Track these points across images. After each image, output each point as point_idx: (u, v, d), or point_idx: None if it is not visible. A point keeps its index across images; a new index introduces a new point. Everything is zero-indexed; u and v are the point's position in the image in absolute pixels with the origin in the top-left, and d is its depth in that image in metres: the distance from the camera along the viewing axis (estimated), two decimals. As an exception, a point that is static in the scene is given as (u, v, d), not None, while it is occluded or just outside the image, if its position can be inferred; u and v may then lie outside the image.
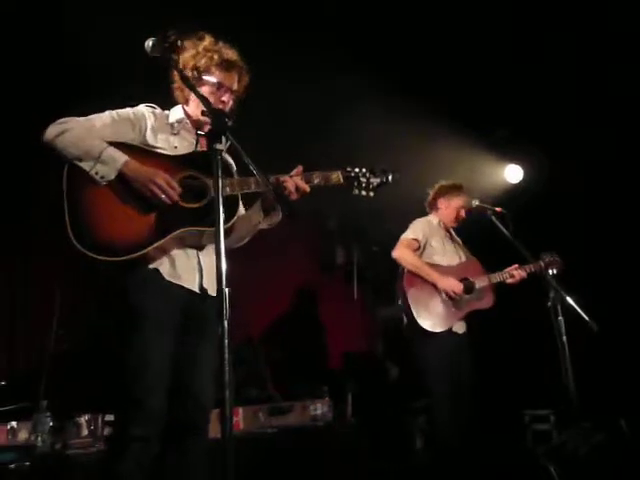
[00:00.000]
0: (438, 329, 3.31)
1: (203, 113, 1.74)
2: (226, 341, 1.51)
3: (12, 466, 2.32)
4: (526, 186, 5.11)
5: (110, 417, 2.93)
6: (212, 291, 1.99)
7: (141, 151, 1.99)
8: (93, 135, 1.94)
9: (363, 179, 2.13)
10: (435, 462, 3.36)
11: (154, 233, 1.90)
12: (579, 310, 2.98)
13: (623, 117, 4.39)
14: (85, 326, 3.46)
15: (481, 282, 3.42)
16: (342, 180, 2.10)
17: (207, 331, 1.98)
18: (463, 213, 3.59)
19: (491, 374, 4.26)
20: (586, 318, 2.95)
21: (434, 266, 3.43)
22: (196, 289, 2.00)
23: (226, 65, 2.10)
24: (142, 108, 2.11)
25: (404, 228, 3.60)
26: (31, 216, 3.69)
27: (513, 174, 5.24)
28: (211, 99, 2.00)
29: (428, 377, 3.32)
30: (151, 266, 1.93)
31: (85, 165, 1.88)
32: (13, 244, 3.82)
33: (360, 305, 5.40)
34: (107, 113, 2.03)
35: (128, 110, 2.08)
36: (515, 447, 3.81)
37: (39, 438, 2.61)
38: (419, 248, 3.48)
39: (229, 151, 2.07)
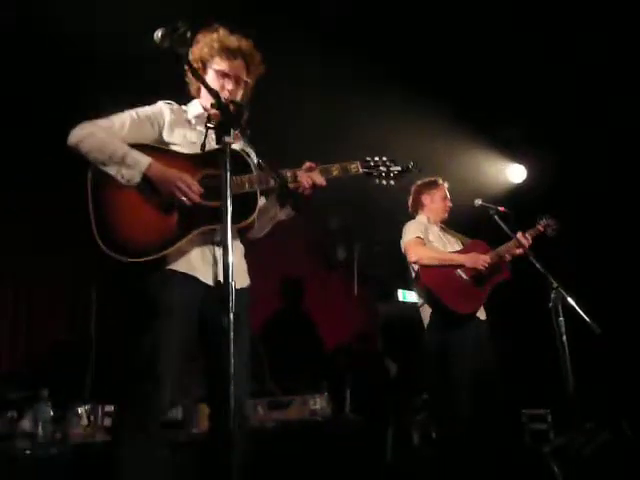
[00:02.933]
0: (472, 310, 3.28)
1: (212, 106, 1.74)
2: (232, 334, 1.52)
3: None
4: (530, 186, 5.11)
5: (110, 408, 2.95)
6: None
7: (161, 152, 2.02)
8: (115, 138, 1.96)
9: (383, 168, 2.14)
10: (433, 458, 3.37)
11: (176, 233, 1.94)
12: (580, 311, 2.98)
13: (629, 117, 4.39)
14: (92, 318, 3.47)
15: (495, 254, 3.38)
16: (361, 170, 2.11)
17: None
18: (449, 202, 3.61)
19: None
20: (587, 319, 2.95)
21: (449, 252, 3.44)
22: (210, 282, 2.00)
23: (228, 53, 2.08)
24: (160, 104, 2.12)
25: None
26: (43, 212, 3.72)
27: (516, 174, 5.24)
28: (215, 88, 1.99)
29: (447, 366, 3.26)
30: (169, 267, 1.96)
31: (110, 169, 1.92)
32: (18, 241, 3.81)
33: (360, 301, 5.42)
34: (127, 113, 2.05)
35: (147, 109, 2.09)
36: (514, 446, 3.82)
37: (40, 427, 2.62)
38: (425, 245, 3.46)
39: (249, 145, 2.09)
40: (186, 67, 2.03)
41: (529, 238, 3.43)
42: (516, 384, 4.53)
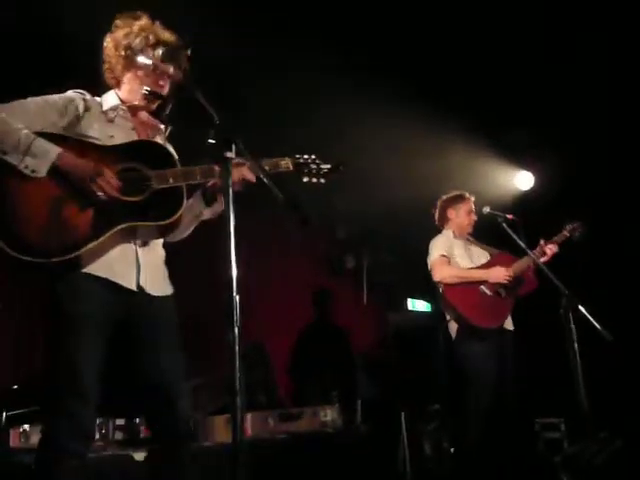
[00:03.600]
0: (495, 324, 3.33)
1: (147, 98, 1.70)
2: (237, 347, 1.52)
3: (31, 465, 2.33)
4: (538, 193, 5.09)
5: (121, 421, 2.96)
6: (152, 289, 1.88)
7: (74, 142, 1.82)
8: (18, 125, 1.74)
9: (313, 165, 2.07)
10: (446, 468, 3.35)
11: (91, 231, 1.75)
12: (592, 319, 2.95)
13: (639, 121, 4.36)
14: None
15: (517, 267, 3.39)
16: (292, 167, 2.04)
17: (159, 334, 1.87)
18: (474, 216, 3.61)
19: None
20: (598, 327, 2.93)
21: (471, 269, 3.46)
22: (133, 287, 1.84)
23: (163, 47, 1.94)
24: (71, 94, 1.92)
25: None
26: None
27: (524, 181, 5.21)
28: (146, 83, 1.92)
29: (470, 379, 3.31)
30: (84, 270, 1.76)
31: (11, 158, 1.70)
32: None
33: (369, 310, 5.40)
34: (30, 100, 1.84)
35: (55, 96, 1.89)
36: (527, 454, 3.78)
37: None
38: (449, 262, 3.49)
39: (169, 139, 2.00)
40: (108, 54, 1.94)
41: (553, 247, 3.41)
42: (530, 392, 4.49)
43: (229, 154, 1.60)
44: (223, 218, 1.58)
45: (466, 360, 3.36)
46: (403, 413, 3.94)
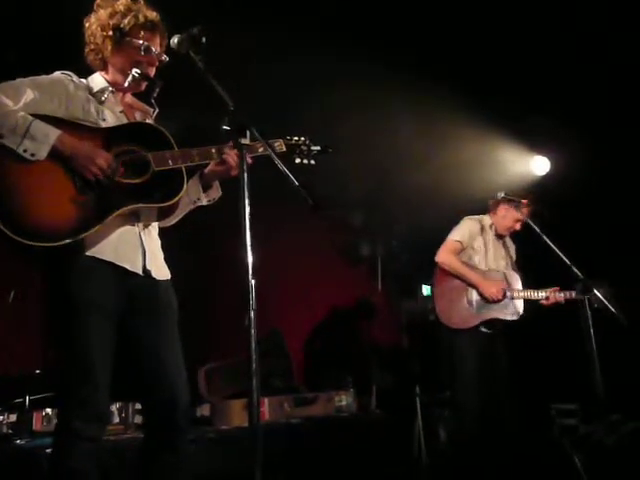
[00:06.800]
0: (460, 326, 3.35)
1: (135, 80, 1.69)
2: (252, 331, 1.54)
3: (48, 451, 2.40)
4: (554, 178, 5.03)
5: (139, 405, 3.02)
6: (156, 274, 1.88)
7: (68, 124, 1.78)
8: (12, 107, 1.71)
9: (304, 147, 2.10)
10: (458, 455, 3.37)
11: (94, 214, 1.73)
12: (607, 304, 2.94)
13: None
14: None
15: (514, 293, 3.40)
16: (284, 148, 2.06)
17: (161, 318, 1.87)
18: (518, 226, 3.54)
19: (518, 368, 4.23)
20: (615, 311, 2.91)
21: (474, 269, 3.44)
22: (139, 271, 1.83)
23: (151, 26, 1.91)
24: (59, 75, 1.88)
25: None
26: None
27: (540, 166, 5.15)
28: (135, 65, 1.89)
29: (457, 369, 3.33)
30: (89, 253, 1.75)
31: (10, 142, 1.66)
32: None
33: (384, 298, 5.41)
34: (19, 81, 1.78)
35: (44, 78, 1.84)
36: (542, 439, 3.79)
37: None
38: (462, 250, 3.48)
39: (158, 122, 1.98)
40: (92, 34, 1.90)
41: (560, 298, 3.32)
42: (546, 378, 4.48)
43: (244, 140, 1.61)
44: (238, 203, 1.60)
45: (447, 353, 3.41)
46: (418, 399, 3.96)
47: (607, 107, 4.43)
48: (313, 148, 2.12)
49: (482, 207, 3.72)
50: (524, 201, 3.51)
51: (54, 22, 3.15)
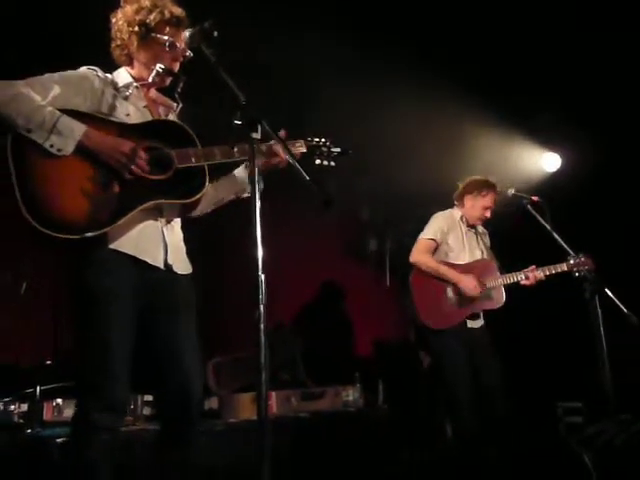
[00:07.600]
0: (441, 327, 3.27)
1: (160, 75, 1.71)
2: (262, 325, 1.55)
3: (58, 440, 2.43)
4: (565, 174, 5.00)
5: (149, 397, 3.05)
6: (178, 268, 1.91)
7: (95, 119, 1.80)
8: (40, 102, 1.73)
9: (324, 148, 2.13)
10: (464, 452, 3.36)
11: (117, 208, 1.76)
12: (618, 302, 2.92)
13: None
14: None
15: (492, 282, 3.34)
16: (305, 149, 2.09)
17: (181, 314, 1.89)
18: (488, 214, 3.47)
19: (524, 366, 4.22)
20: (625, 310, 2.90)
21: (450, 265, 3.37)
22: (161, 265, 1.86)
23: (176, 22, 1.92)
24: (85, 71, 1.89)
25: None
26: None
27: (551, 162, 5.13)
28: (160, 60, 1.91)
29: (443, 372, 3.30)
30: (111, 246, 1.77)
31: (36, 136, 1.68)
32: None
33: (393, 293, 5.40)
34: (47, 76, 1.80)
35: (70, 73, 1.86)
36: (548, 438, 3.78)
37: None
38: (437, 247, 3.42)
39: (181, 117, 2.00)
40: (119, 30, 1.92)
41: (540, 274, 3.24)
42: (551, 376, 4.47)
43: (255, 135, 1.61)
44: (249, 199, 1.60)
45: (433, 356, 3.43)
46: (425, 394, 3.96)
47: (618, 104, 4.39)
48: (333, 150, 2.14)
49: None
50: (491, 184, 3.45)
51: (54, 22, 3.18)
